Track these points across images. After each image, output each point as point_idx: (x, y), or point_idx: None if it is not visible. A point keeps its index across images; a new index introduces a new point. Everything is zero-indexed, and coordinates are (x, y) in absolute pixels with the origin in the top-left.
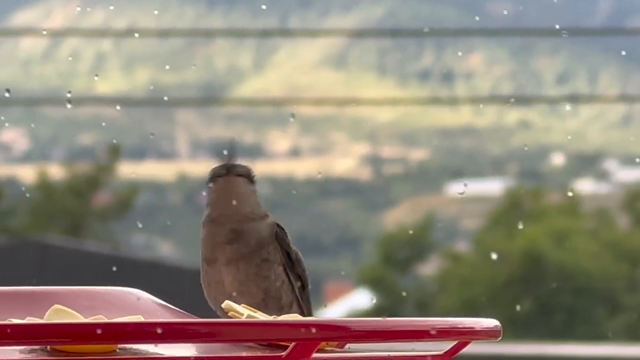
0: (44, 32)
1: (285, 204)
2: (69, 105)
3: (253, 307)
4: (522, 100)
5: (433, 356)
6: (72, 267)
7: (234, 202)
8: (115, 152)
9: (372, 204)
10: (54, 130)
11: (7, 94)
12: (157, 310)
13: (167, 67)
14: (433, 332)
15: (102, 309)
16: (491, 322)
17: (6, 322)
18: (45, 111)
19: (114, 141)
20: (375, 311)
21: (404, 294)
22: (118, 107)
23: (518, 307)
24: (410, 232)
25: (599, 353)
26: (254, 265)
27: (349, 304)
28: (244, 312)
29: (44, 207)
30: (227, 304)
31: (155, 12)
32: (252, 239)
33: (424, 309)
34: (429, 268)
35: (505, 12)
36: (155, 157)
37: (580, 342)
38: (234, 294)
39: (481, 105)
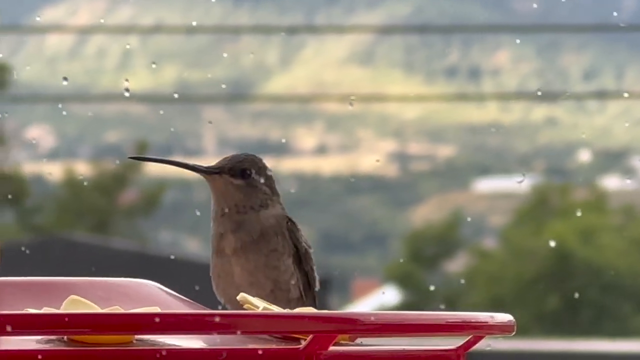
0: (70, 29)
1: (312, 201)
2: (127, 94)
3: (262, 298)
4: (548, 96)
5: (446, 350)
6: (99, 264)
7: (228, 198)
8: (142, 150)
9: (399, 201)
10: (80, 127)
11: (65, 82)
12: (172, 302)
13: (194, 64)
14: (459, 324)
15: (117, 300)
16: (505, 317)
17: (23, 311)
18: (72, 108)
19: (141, 139)
20: (403, 309)
21: (432, 287)
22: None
23: (546, 304)
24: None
25: (627, 349)
26: (262, 255)
27: (376, 301)
28: (259, 305)
29: (70, 205)
30: (242, 296)
31: (181, 10)
32: (255, 228)
33: (451, 306)
34: (456, 265)
35: (533, 8)
36: (182, 155)
37: (607, 338)
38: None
39: (510, 101)
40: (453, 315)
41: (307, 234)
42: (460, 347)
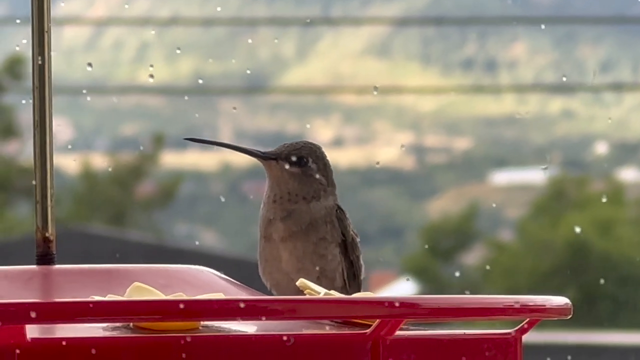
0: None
1: None
2: (151, 80)
3: None
4: (565, 88)
5: (506, 334)
6: (116, 256)
7: (282, 185)
8: (159, 142)
9: (415, 194)
10: (97, 120)
11: (89, 68)
12: (230, 288)
13: (211, 56)
14: (517, 306)
15: (177, 287)
16: (561, 300)
17: (90, 299)
18: (89, 100)
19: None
20: None
21: (457, 274)
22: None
23: (563, 296)
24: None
25: None
26: (311, 243)
27: (394, 292)
28: (320, 290)
29: (87, 197)
30: (301, 281)
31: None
32: (304, 219)
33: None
34: (473, 257)
35: (550, 0)
36: (199, 147)
37: (624, 330)
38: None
39: (526, 93)
40: (511, 299)
41: None
42: (517, 330)
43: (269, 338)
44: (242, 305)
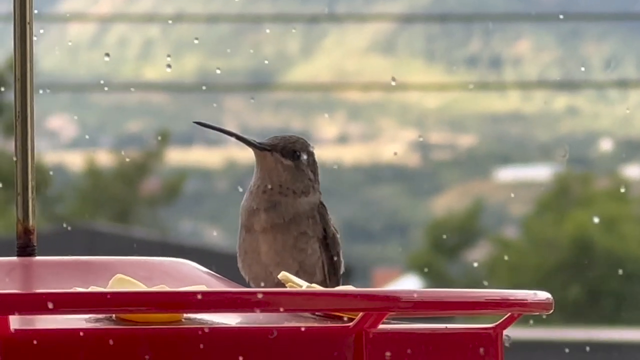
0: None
1: (334, 190)
2: (168, 70)
3: None
4: (569, 85)
5: (486, 329)
6: (120, 253)
7: (274, 177)
8: (164, 139)
9: (420, 190)
10: (102, 116)
11: (106, 58)
12: (212, 281)
13: (215, 54)
14: (498, 300)
15: (159, 279)
16: (543, 295)
17: (72, 290)
18: (93, 98)
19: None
20: None
21: (462, 271)
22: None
23: (567, 293)
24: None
25: None
26: (291, 236)
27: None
28: (302, 284)
29: (92, 194)
30: (283, 274)
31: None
32: (287, 212)
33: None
34: (478, 254)
35: None
36: (204, 144)
37: (629, 327)
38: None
39: (531, 90)
40: (493, 293)
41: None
42: (498, 325)
43: (251, 330)
44: (227, 297)
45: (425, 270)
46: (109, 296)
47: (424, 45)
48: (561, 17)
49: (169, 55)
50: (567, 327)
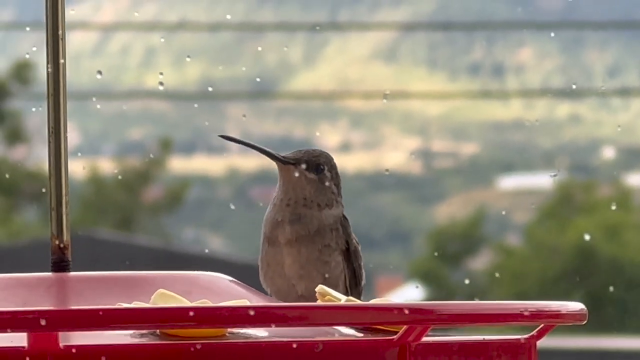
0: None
1: None
2: (160, 87)
3: (310, 292)
4: (572, 93)
5: (524, 339)
6: (123, 261)
7: (298, 190)
8: (166, 147)
9: (422, 198)
10: (104, 124)
11: (98, 76)
12: (250, 295)
13: (218, 61)
14: (533, 312)
15: (199, 293)
16: (577, 306)
17: (118, 306)
18: (96, 105)
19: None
20: None
21: (467, 281)
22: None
23: (570, 301)
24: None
25: None
26: (316, 249)
27: (399, 297)
28: (341, 297)
29: (95, 202)
30: (321, 287)
31: (205, 6)
32: (312, 225)
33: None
34: (480, 262)
35: (557, 5)
36: (206, 152)
37: (632, 335)
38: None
39: (533, 98)
40: (527, 305)
41: None
42: (533, 336)
43: (299, 344)
44: (280, 312)
45: (428, 277)
46: (161, 312)
47: (426, 53)
48: (563, 24)
49: (161, 73)
50: (570, 335)
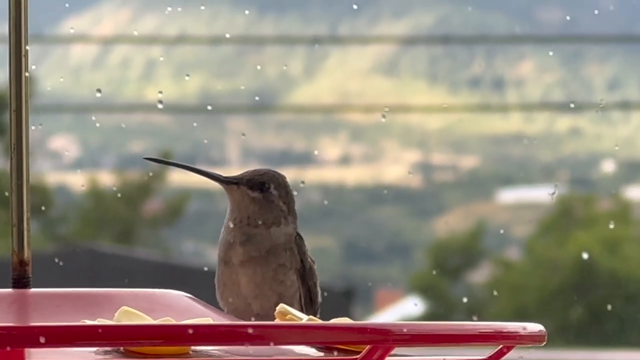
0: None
1: (336, 211)
2: (160, 106)
3: (266, 311)
4: (572, 107)
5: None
6: (123, 274)
7: (243, 209)
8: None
9: (422, 211)
10: (104, 137)
11: (98, 94)
12: (210, 313)
13: (218, 75)
14: (491, 333)
15: (161, 311)
16: (535, 327)
17: (82, 323)
18: (96, 118)
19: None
20: (425, 319)
21: (464, 292)
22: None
23: (570, 315)
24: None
25: None
26: (270, 269)
27: (400, 311)
28: (302, 316)
29: (94, 215)
30: (282, 306)
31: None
32: (263, 245)
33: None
34: (480, 275)
35: (557, 19)
36: (207, 164)
37: (632, 348)
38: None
39: (533, 112)
40: (485, 326)
41: (331, 244)
42: (491, 357)
43: None
44: (250, 330)
45: (428, 291)
46: (129, 329)
47: (426, 67)
48: (564, 38)
49: (160, 92)
50: (570, 349)
